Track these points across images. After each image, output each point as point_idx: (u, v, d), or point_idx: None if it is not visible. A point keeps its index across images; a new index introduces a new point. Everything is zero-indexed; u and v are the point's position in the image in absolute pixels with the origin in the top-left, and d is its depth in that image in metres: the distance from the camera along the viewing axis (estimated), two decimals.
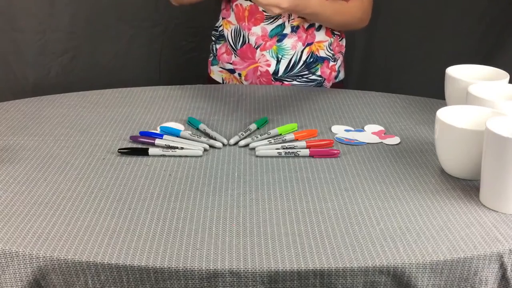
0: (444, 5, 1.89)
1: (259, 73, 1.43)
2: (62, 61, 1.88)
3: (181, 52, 1.96)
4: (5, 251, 0.79)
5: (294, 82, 1.44)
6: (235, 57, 1.45)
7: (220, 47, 1.48)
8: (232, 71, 1.47)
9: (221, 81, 1.51)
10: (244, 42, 1.42)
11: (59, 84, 1.86)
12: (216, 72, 1.52)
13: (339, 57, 1.49)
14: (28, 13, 1.80)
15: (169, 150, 1.06)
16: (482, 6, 1.88)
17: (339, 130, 1.16)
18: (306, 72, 1.44)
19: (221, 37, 1.48)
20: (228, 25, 1.45)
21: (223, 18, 1.47)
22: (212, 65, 1.53)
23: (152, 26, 1.91)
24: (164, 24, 1.92)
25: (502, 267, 0.81)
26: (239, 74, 1.46)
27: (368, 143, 1.12)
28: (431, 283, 0.79)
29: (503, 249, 0.81)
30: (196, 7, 1.93)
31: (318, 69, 1.45)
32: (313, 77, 1.45)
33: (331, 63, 1.46)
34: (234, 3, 1.41)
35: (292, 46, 1.40)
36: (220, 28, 1.48)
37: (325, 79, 1.46)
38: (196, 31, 1.92)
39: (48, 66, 1.87)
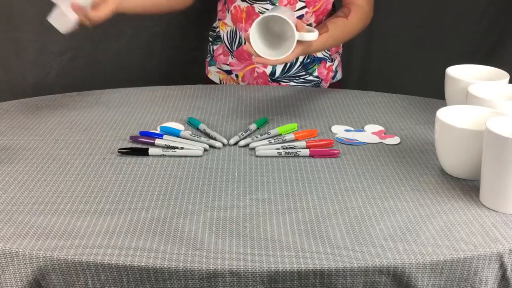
0: (443, 5, 1.89)
1: (256, 74, 1.43)
2: (62, 61, 1.88)
3: (181, 52, 1.96)
4: (5, 251, 0.79)
5: (291, 83, 1.44)
6: (232, 58, 1.45)
7: (217, 48, 1.48)
8: (229, 72, 1.47)
9: (218, 82, 1.50)
10: (240, 44, 1.42)
11: (59, 84, 1.86)
12: (213, 73, 1.51)
13: (336, 57, 1.49)
14: (28, 13, 1.80)
15: (169, 150, 1.06)
16: (482, 6, 1.87)
17: (339, 130, 1.16)
18: (303, 73, 1.44)
19: (218, 38, 1.48)
20: (224, 26, 1.44)
21: (219, 20, 1.46)
22: (210, 65, 1.52)
23: (152, 26, 1.91)
24: (164, 24, 1.92)
25: (502, 267, 0.81)
26: (236, 75, 1.46)
27: (368, 143, 1.12)
28: (431, 283, 0.79)
29: (503, 249, 0.81)
30: (196, 7, 1.93)
31: (315, 69, 1.45)
32: (310, 77, 1.45)
33: (328, 64, 1.46)
34: (232, 5, 1.41)
35: None
36: (217, 29, 1.48)
37: (322, 79, 1.46)
38: (196, 31, 1.92)
39: (48, 66, 1.87)
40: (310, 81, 1.45)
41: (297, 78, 1.44)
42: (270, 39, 1.16)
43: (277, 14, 1.10)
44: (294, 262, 0.77)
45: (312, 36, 1.14)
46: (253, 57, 1.15)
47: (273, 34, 1.17)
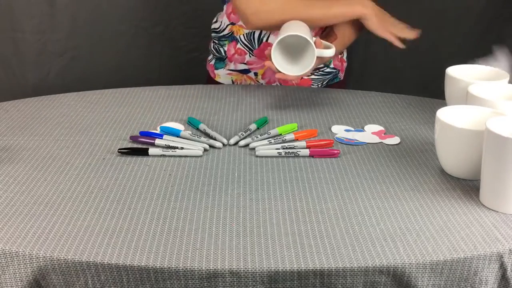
0: (443, 5, 1.89)
1: None
2: (62, 61, 1.88)
3: (181, 52, 1.96)
4: (5, 251, 0.79)
5: (313, 76, 1.47)
6: (250, 56, 1.45)
7: (228, 49, 1.47)
8: (246, 71, 1.47)
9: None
10: (261, 41, 1.43)
11: (59, 84, 1.86)
12: (223, 75, 1.50)
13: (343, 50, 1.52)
14: (28, 13, 1.81)
15: (169, 150, 1.06)
16: (482, 6, 1.88)
17: (339, 130, 1.16)
18: (322, 65, 1.47)
19: (224, 38, 1.47)
20: (240, 29, 1.44)
21: (232, 24, 1.45)
22: (217, 69, 1.51)
23: (152, 26, 1.91)
24: (164, 24, 1.92)
25: (502, 267, 0.81)
26: (255, 73, 1.46)
27: (368, 143, 1.12)
28: (431, 283, 0.79)
29: (503, 249, 0.81)
30: (196, 7, 1.93)
31: (331, 61, 1.49)
32: (328, 70, 1.50)
33: (340, 56, 1.52)
34: None
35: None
36: (225, 32, 1.46)
37: (339, 70, 1.52)
38: (196, 31, 1.92)
39: (48, 66, 1.87)
40: (329, 72, 1.50)
41: (317, 71, 1.47)
42: (288, 51, 1.22)
43: (299, 33, 1.16)
44: (294, 262, 0.77)
45: (330, 52, 1.23)
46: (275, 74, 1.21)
47: (291, 46, 1.21)
